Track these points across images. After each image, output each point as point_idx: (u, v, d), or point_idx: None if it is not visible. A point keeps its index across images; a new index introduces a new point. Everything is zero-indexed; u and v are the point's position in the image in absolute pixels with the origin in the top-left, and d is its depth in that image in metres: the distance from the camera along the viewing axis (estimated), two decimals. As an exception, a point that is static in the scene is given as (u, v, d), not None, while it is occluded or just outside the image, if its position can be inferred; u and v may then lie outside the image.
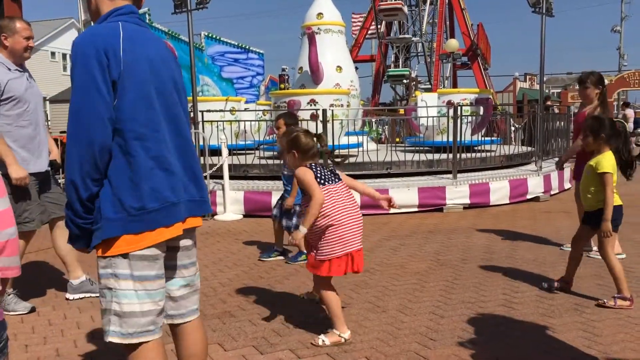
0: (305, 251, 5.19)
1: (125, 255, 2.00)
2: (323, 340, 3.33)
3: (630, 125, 17.33)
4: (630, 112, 19.24)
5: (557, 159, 11.14)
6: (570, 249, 4.45)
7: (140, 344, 2.05)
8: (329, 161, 4.41)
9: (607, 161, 3.96)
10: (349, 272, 3.39)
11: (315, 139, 3.43)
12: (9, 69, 3.93)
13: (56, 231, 4.24)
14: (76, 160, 1.94)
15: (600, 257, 4.95)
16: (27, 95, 3.97)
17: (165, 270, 2.15)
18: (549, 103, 17.82)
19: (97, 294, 4.16)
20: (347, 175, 3.63)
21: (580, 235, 4.25)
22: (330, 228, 3.28)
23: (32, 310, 4.03)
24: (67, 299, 4.29)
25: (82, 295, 4.30)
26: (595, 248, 5.25)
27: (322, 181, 3.31)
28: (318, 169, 3.35)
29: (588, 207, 4.12)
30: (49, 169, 4.19)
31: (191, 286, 2.28)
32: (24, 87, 3.98)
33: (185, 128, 2.19)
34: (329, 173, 3.39)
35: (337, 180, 3.40)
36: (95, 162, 1.94)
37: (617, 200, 4.02)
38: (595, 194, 4.01)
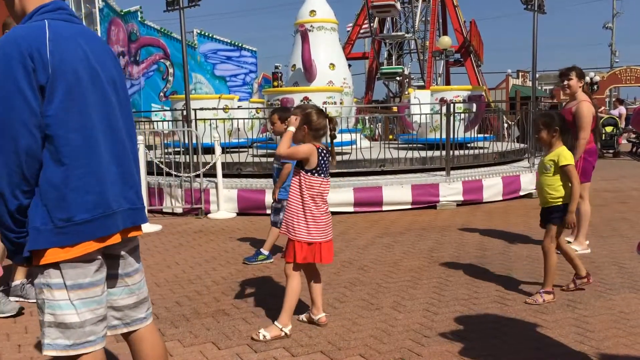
0: (264, 251, 5.23)
1: (56, 265, 1.90)
2: (264, 335, 3.36)
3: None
4: (622, 109, 19.30)
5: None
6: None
7: (79, 356, 1.95)
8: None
9: (568, 154, 3.99)
10: (313, 262, 3.47)
11: (327, 119, 3.47)
12: None
13: None
14: (3, 171, 1.82)
15: (580, 252, 5.04)
16: None
17: (107, 279, 2.06)
18: (555, 101, 17.95)
19: (26, 300, 4.06)
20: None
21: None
22: (307, 213, 3.38)
23: (20, 310, 3.98)
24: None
25: (14, 299, 4.13)
26: (577, 248, 5.27)
27: (320, 171, 3.39)
28: (324, 157, 3.40)
29: (548, 203, 4.04)
30: None
31: (137, 295, 2.16)
32: None
33: (120, 132, 2.05)
34: (327, 163, 3.45)
35: (328, 175, 3.49)
36: (22, 173, 1.83)
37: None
38: (560, 189, 3.98)
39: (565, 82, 5.39)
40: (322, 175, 3.41)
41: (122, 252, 2.11)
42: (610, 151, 16.90)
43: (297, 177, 3.42)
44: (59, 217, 1.86)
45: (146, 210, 7.14)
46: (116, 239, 2.00)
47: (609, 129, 16.53)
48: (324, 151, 3.43)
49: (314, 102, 9.09)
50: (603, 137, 16.53)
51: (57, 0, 1.98)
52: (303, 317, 3.72)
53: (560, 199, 3.98)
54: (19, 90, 1.79)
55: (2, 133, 1.81)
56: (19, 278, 4.23)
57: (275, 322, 3.40)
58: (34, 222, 1.86)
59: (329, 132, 3.49)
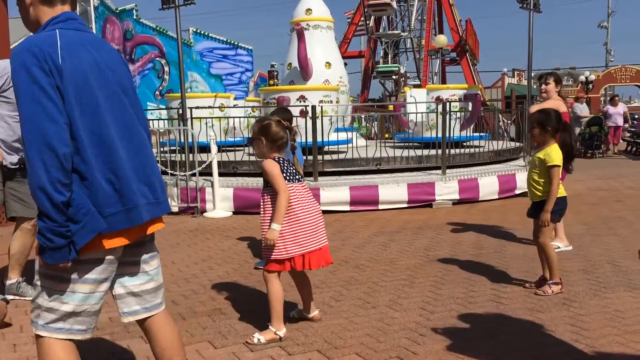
0: None
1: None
2: (259, 339, 3.31)
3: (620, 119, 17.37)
4: (625, 107, 19.11)
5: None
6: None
7: (57, 341, 2.07)
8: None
9: (556, 154, 4.08)
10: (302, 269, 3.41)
11: (286, 130, 3.37)
12: None
13: (17, 232, 4.23)
14: (41, 167, 1.88)
15: (556, 249, 5.14)
16: None
17: (128, 266, 2.21)
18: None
19: (22, 298, 4.08)
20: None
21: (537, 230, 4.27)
22: (287, 226, 3.29)
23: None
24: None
25: (11, 297, 4.16)
26: (560, 245, 5.34)
27: (288, 178, 3.33)
28: (285, 165, 3.34)
29: (537, 198, 4.19)
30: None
31: (155, 280, 2.31)
32: None
33: (136, 131, 2.18)
34: (293, 170, 3.39)
35: (300, 179, 3.42)
36: (62, 166, 1.91)
37: (562, 192, 4.17)
38: (545, 186, 4.11)
39: (543, 87, 5.59)
40: (291, 182, 3.33)
41: (147, 239, 2.26)
42: (599, 151, 16.80)
43: (268, 195, 3.34)
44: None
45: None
46: (140, 233, 2.14)
47: (594, 128, 16.50)
48: (282, 159, 3.35)
49: (310, 101, 9.09)
50: (587, 137, 16.49)
51: (67, 12, 2.12)
52: (294, 313, 3.73)
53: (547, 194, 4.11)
54: (44, 92, 1.91)
55: (36, 132, 1.89)
56: (14, 277, 4.22)
57: (269, 326, 3.38)
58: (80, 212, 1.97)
59: (289, 144, 3.40)
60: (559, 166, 4.06)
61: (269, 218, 3.31)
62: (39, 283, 2.06)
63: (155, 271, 2.31)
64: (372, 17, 27.48)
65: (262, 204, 3.38)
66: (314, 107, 8.12)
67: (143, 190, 2.15)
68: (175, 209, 8.15)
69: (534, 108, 5.28)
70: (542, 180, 4.13)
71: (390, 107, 17.57)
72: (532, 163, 4.28)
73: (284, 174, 3.31)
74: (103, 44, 2.18)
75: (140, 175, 2.15)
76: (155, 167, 2.26)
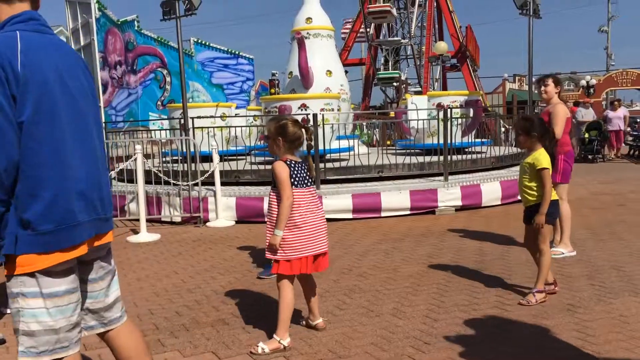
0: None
1: (31, 274, 1.93)
2: (263, 349, 3.30)
3: (618, 124, 17.30)
4: (625, 111, 19.01)
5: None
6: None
7: None
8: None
9: (544, 158, 4.10)
10: (303, 272, 3.43)
11: (302, 129, 3.41)
12: None
13: None
14: None
15: (560, 255, 5.11)
16: None
17: (81, 284, 2.10)
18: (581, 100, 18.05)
19: None
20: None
21: (530, 236, 4.28)
22: (288, 230, 3.31)
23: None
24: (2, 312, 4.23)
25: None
26: (564, 251, 5.35)
27: (295, 183, 3.34)
28: (296, 168, 3.36)
29: (530, 202, 4.20)
30: None
31: (111, 296, 2.24)
32: None
33: (92, 142, 2.08)
34: (304, 174, 3.40)
35: (309, 183, 3.43)
36: (1, 182, 1.82)
37: (552, 196, 4.16)
38: (538, 190, 4.12)
39: (543, 88, 5.59)
40: (299, 186, 3.35)
41: (95, 257, 2.15)
42: (599, 156, 16.70)
43: (275, 195, 3.36)
44: (26, 227, 1.88)
45: (144, 220, 7.17)
46: (83, 249, 2.02)
47: (593, 133, 16.45)
48: (294, 162, 3.38)
49: (311, 109, 9.10)
50: (587, 142, 16.47)
51: (28, 11, 1.99)
52: (303, 321, 3.73)
53: (540, 198, 4.12)
54: None
55: None
56: None
57: (274, 335, 3.37)
58: (12, 229, 1.88)
59: (305, 143, 3.43)
60: (548, 168, 4.07)
61: (274, 218, 3.34)
62: (13, 305, 1.97)
63: (111, 287, 2.23)
64: (372, 25, 27.55)
65: (268, 202, 3.42)
66: (315, 116, 8.13)
67: (94, 204, 2.05)
68: (178, 219, 8.15)
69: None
70: (534, 185, 4.14)
71: (392, 114, 17.59)
72: (521, 169, 4.29)
73: (293, 179, 3.32)
74: (64, 46, 2.08)
75: (95, 189, 2.06)
76: (107, 180, 2.19)
